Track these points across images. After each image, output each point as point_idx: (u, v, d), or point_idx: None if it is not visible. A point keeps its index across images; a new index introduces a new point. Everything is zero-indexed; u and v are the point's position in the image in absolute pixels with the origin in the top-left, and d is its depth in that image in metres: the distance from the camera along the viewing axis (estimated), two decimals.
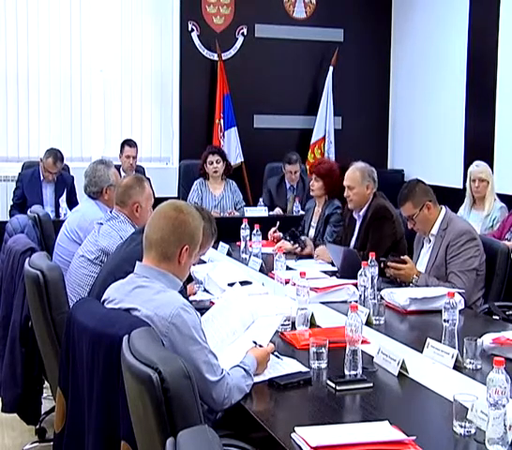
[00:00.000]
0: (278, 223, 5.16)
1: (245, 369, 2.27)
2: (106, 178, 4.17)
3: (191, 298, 3.34)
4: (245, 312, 2.73)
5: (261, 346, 2.47)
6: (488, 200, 5.47)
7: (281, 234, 5.06)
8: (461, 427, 1.95)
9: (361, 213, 4.45)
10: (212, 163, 6.34)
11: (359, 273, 3.32)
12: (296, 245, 4.64)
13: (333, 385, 2.29)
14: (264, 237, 4.86)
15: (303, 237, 4.76)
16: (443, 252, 3.72)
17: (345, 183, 4.46)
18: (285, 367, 2.45)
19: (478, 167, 5.56)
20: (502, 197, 5.64)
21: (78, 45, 7.54)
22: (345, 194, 4.47)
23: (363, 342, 2.48)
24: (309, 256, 4.57)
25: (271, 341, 2.55)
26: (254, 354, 2.39)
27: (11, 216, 6.05)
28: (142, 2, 7.72)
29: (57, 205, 6.21)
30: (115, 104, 7.75)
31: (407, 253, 4.21)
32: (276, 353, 2.52)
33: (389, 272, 3.72)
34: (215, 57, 7.83)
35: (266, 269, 4.10)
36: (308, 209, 5.27)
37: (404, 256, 3.75)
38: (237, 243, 4.78)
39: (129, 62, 7.75)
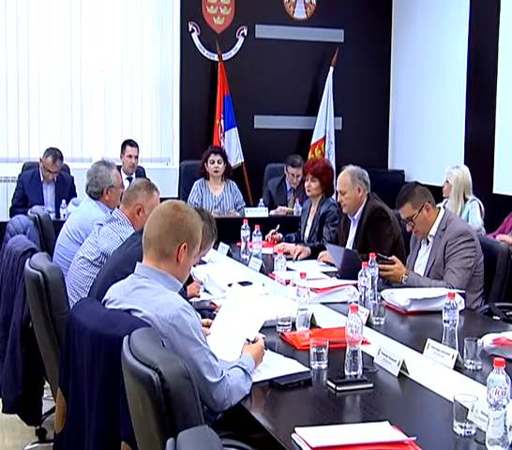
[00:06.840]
0: (278, 225, 5.15)
1: (244, 370, 2.27)
2: (107, 179, 4.18)
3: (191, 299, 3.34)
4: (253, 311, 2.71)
5: (253, 342, 2.47)
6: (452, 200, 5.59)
7: (281, 235, 5.07)
8: (462, 427, 1.95)
9: (356, 216, 4.43)
10: (213, 162, 6.34)
11: (359, 273, 3.32)
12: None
13: (333, 386, 2.29)
14: (265, 238, 4.86)
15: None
16: (441, 252, 3.73)
17: (337, 188, 4.44)
18: (285, 367, 2.45)
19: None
20: (502, 197, 5.64)
21: (78, 46, 7.54)
22: (338, 199, 4.46)
23: (363, 343, 2.48)
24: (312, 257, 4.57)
25: (271, 342, 2.55)
26: (251, 353, 2.39)
27: (14, 215, 6.03)
28: (142, 2, 7.72)
29: (58, 206, 6.21)
30: (116, 105, 7.75)
31: (405, 253, 4.23)
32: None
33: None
34: (215, 58, 7.83)
35: (267, 270, 4.10)
36: (303, 210, 5.27)
37: (392, 256, 3.74)
38: (237, 243, 4.78)
39: (130, 62, 7.75)
